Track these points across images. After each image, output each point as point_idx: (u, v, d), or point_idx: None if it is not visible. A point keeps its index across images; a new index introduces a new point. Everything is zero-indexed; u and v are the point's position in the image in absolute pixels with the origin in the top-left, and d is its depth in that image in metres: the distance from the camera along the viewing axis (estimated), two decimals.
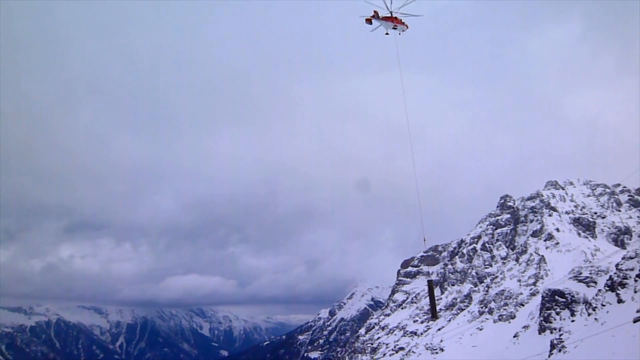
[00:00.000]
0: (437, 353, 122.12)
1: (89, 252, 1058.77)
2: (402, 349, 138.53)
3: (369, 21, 37.29)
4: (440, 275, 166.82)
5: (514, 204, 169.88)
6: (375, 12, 36.88)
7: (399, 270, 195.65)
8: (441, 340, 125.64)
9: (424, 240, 38.45)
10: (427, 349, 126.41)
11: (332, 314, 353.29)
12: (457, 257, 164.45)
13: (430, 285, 31.14)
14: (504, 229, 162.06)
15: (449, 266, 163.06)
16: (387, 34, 37.98)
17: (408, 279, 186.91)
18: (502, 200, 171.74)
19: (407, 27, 38.19)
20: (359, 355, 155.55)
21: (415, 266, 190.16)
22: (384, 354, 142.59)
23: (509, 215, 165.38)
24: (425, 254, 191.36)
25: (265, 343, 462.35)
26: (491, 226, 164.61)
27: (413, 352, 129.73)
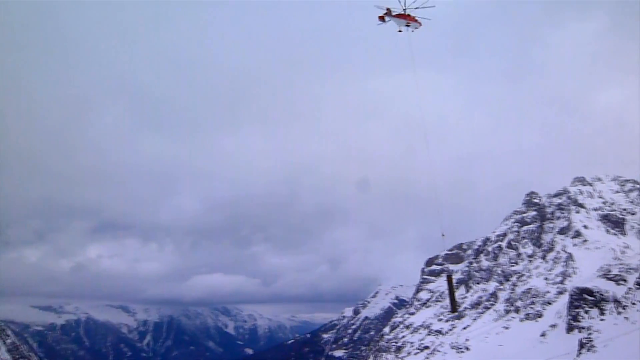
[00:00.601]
0: (462, 352, 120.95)
1: (116, 252, 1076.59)
2: (427, 347, 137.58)
3: (381, 18, 37.24)
4: (465, 274, 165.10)
5: (540, 201, 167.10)
6: (388, 9, 36.85)
7: (423, 269, 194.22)
8: (467, 339, 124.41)
9: (443, 235, 37.09)
10: (452, 347, 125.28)
11: (356, 312, 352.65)
12: (482, 255, 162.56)
13: (450, 279, 31.47)
14: (530, 226, 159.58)
15: (474, 264, 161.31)
16: (399, 31, 37.86)
17: (432, 277, 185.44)
18: (528, 197, 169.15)
19: (420, 25, 38.06)
20: (384, 353, 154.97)
21: (440, 264, 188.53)
22: (409, 353, 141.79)
23: (535, 213, 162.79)
24: (449, 252, 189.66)
25: (290, 341, 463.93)
26: (517, 223, 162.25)
27: (438, 350, 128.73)
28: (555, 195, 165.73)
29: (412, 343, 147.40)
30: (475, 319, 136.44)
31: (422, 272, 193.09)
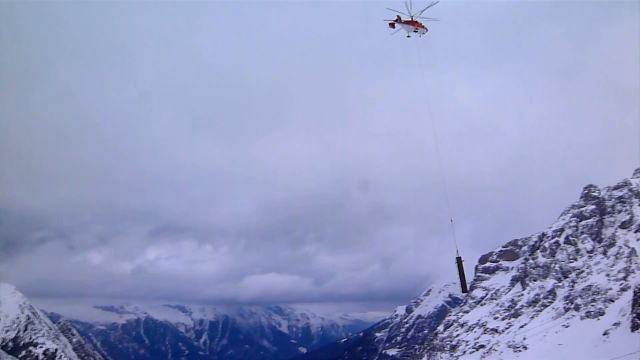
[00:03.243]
0: (520, 351, 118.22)
1: (173, 253, 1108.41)
2: (482, 346, 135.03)
3: (392, 25, 39.91)
4: (520, 271, 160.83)
5: (599, 194, 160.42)
6: (398, 16, 39.52)
7: (476, 266, 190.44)
8: (524, 338, 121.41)
9: (451, 220, 37.71)
10: (509, 346, 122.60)
11: (408, 310, 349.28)
12: (538, 251, 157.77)
13: (460, 261, 32.81)
14: (589, 220, 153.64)
15: (530, 261, 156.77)
16: (408, 36, 40.52)
17: (487, 275, 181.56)
18: (586, 191, 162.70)
19: (427, 30, 40.73)
20: (438, 352, 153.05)
21: (494, 261, 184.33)
22: (464, 352, 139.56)
23: (594, 206, 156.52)
24: (503, 249, 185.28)
25: (343, 340, 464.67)
26: (575, 218, 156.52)
27: (494, 349, 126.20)
28: (616, 188, 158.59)
29: (467, 342, 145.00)
30: (532, 317, 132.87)
31: (476, 269, 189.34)
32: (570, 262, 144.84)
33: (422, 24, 40.38)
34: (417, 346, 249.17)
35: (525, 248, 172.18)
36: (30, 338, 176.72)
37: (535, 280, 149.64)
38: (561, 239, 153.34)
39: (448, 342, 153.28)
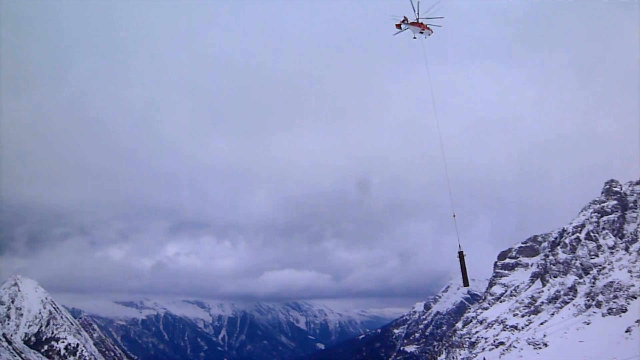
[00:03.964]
0: (540, 348, 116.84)
1: (192, 249, 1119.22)
2: (502, 343, 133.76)
3: (398, 26, 41.08)
4: (541, 267, 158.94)
5: (621, 189, 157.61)
6: (405, 17, 40.64)
7: (495, 262, 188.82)
8: (544, 335, 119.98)
9: (454, 216, 38.58)
10: (529, 343, 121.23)
11: (427, 307, 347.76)
12: (559, 247, 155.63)
13: (461, 255, 34.39)
14: (610, 216, 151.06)
15: (550, 257, 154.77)
16: (414, 37, 41.70)
17: (506, 271, 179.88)
18: (608, 186, 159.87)
19: (432, 32, 41.89)
20: (457, 349, 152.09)
21: (513, 257, 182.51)
22: (483, 349, 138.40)
23: (615, 202, 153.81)
24: (523, 245, 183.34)
25: (361, 336, 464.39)
26: (596, 214, 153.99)
27: (514, 347, 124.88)
28: (638, 183, 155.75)
29: (486, 339, 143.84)
30: (553, 314, 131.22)
31: (495, 265, 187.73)
32: (592, 258, 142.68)
33: (427, 26, 41.41)
34: (435, 343, 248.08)
35: (545, 244, 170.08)
36: (52, 333, 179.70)
37: (555, 277, 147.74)
38: (582, 235, 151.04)
39: (467, 339, 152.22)
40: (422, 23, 40.95)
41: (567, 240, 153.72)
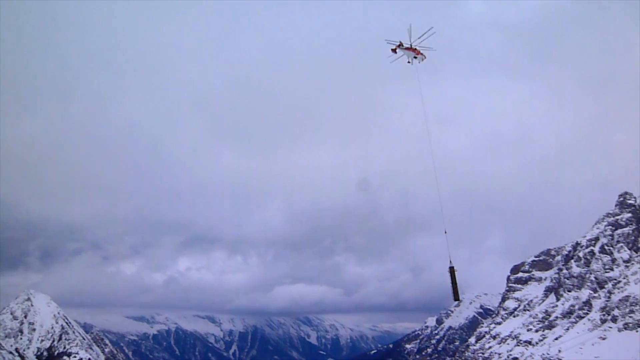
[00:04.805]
0: None
1: (204, 264, 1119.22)
2: (516, 359, 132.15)
3: (394, 50, 42.63)
4: (554, 281, 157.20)
5: (636, 202, 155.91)
6: (400, 42, 42.20)
7: (508, 276, 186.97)
8: (559, 351, 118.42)
9: (445, 232, 39.22)
10: (543, 359, 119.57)
11: (439, 322, 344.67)
12: (572, 261, 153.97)
13: (452, 271, 35.01)
14: (625, 229, 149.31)
15: (564, 271, 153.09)
16: (409, 62, 43.19)
17: (519, 285, 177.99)
18: (622, 199, 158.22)
19: (425, 57, 43.48)
20: None
21: (526, 271, 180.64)
22: None
23: (630, 214, 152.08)
24: (536, 259, 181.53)
25: (372, 352, 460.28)
26: (610, 227, 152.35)
27: None
28: None
29: (499, 354, 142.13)
30: (567, 329, 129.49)
31: (508, 280, 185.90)
32: (606, 272, 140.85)
33: (421, 52, 42.92)
34: (448, 358, 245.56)
35: (558, 258, 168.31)
36: (64, 347, 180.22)
37: (569, 291, 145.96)
38: (596, 248, 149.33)
39: (480, 355, 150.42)
40: (416, 48, 42.58)
41: (581, 254, 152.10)
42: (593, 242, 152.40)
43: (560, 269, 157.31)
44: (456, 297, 35.77)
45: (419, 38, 41.62)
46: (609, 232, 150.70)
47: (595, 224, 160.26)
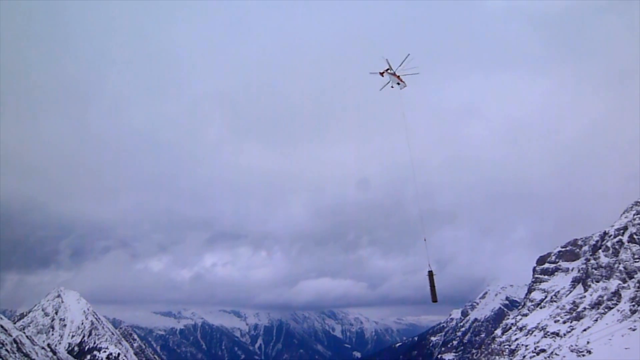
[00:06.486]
0: (583, 355, 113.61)
1: (229, 260, 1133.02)
2: (543, 350, 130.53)
3: (382, 74, 44.85)
4: (582, 271, 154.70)
5: None
6: (389, 66, 44.46)
7: (534, 267, 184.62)
8: (588, 342, 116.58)
9: (424, 239, 41.98)
10: (572, 351, 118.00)
11: (464, 314, 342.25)
12: (600, 250, 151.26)
13: (431, 275, 38.32)
14: None
15: (592, 261, 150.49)
16: (392, 87, 45.47)
17: (545, 276, 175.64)
18: None
19: (406, 85, 45.57)
20: (496, 357, 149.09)
21: (553, 262, 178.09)
22: (524, 356, 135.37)
23: None
24: (562, 249, 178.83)
25: (398, 344, 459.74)
26: (639, 215, 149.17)
27: (556, 354, 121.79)
28: None
29: (526, 346, 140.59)
30: (596, 320, 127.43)
31: (534, 271, 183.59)
32: (635, 261, 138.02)
33: (402, 79, 45.20)
34: (474, 350, 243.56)
35: (585, 248, 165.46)
36: (94, 343, 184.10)
37: (597, 282, 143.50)
38: (625, 238, 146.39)
39: (507, 347, 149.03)
40: (398, 75, 44.91)
41: (609, 244, 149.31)
42: (621, 231, 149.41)
43: (587, 259, 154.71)
44: (434, 298, 38.58)
45: (399, 66, 43.78)
46: (637, 221, 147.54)
47: (624, 212, 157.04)
